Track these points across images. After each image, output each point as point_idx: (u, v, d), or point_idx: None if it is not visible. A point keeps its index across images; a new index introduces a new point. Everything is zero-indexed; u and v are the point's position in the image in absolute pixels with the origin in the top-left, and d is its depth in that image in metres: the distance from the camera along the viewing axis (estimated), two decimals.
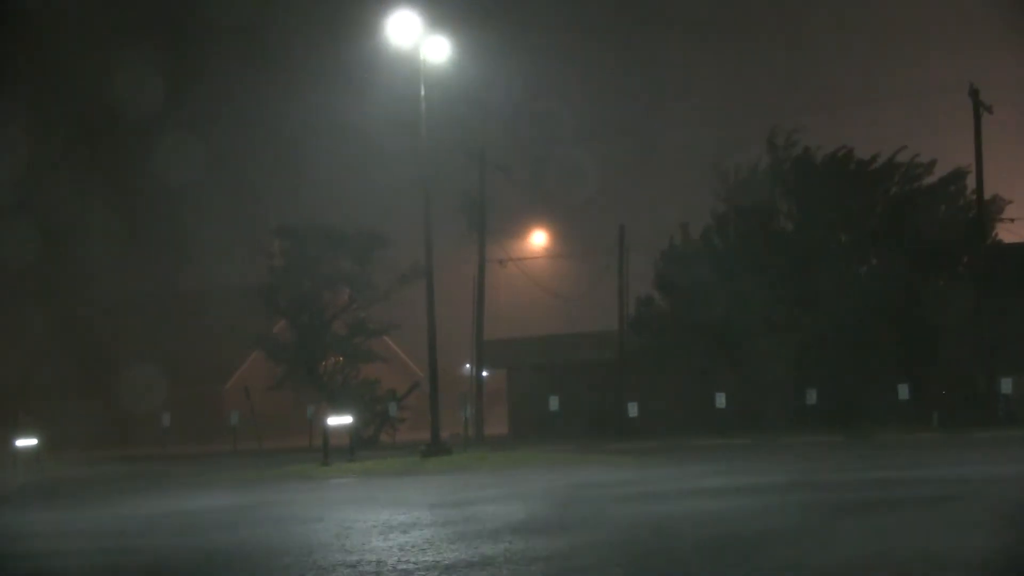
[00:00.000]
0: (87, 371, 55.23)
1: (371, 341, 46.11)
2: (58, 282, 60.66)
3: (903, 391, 36.61)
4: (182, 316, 60.37)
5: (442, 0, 34.51)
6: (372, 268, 44.35)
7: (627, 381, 42.62)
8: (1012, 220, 40.76)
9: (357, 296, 45.09)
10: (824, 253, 40.04)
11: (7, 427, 38.40)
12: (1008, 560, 10.56)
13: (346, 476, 25.48)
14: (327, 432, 30.22)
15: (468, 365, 50.06)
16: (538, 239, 55.77)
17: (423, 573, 10.54)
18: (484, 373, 46.57)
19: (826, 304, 39.05)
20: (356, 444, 32.17)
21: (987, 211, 39.64)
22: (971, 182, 39.43)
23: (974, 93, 37.84)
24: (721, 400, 38.27)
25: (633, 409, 39.44)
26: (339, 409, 31.82)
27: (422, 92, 31.08)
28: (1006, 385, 35.61)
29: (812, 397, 38.09)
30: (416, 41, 31.00)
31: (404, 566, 10.94)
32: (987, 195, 39.39)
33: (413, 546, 12.22)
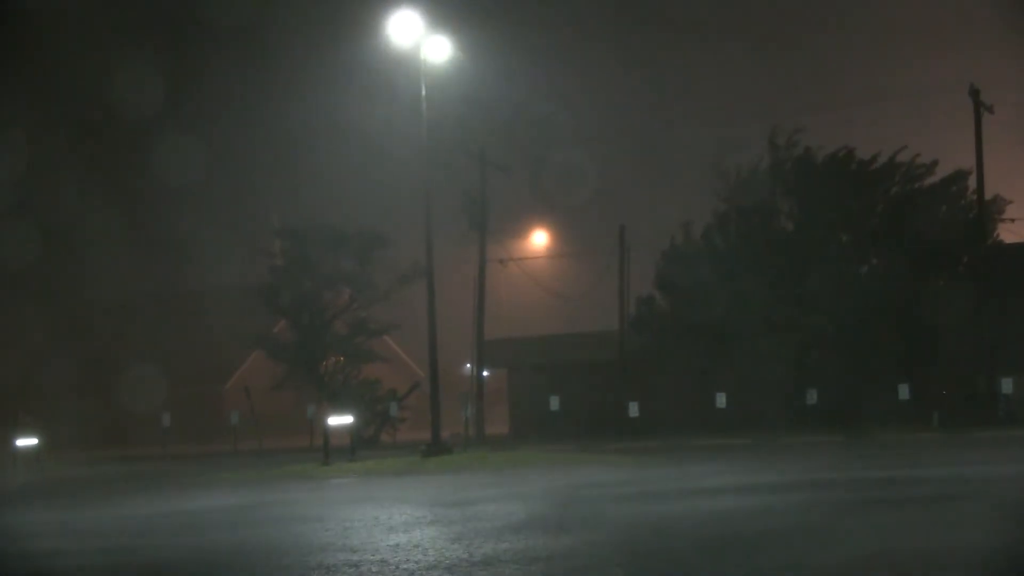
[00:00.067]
0: (87, 371, 55.24)
1: (372, 341, 46.14)
2: (58, 282, 60.69)
3: (903, 391, 36.60)
4: (182, 316, 60.39)
5: (443, 0, 34.51)
6: (372, 268, 44.38)
7: (628, 381, 42.60)
8: (1012, 220, 40.78)
9: (358, 296, 45.11)
10: (824, 253, 40.03)
11: (8, 427, 38.41)
12: (1009, 560, 10.55)
13: (347, 476, 25.49)
14: (327, 432, 30.22)
15: (469, 365, 50.05)
16: (539, 239, 55.78)
17: (425, 573, 10.54)
18: (485, 373, 46.56)
19: (826, 304, 39.03)
20: (357, 444, 32.18)
21: (987, 211, 39.65)
22: (972, 182, 39.44)
23: (974, 93, 37.83)
24: (721, 400, 38.26)
25: (634, 409, 39.43)
26: (340, 409, 31.81)
27: (423, 92, 31.08)
28: (1006, 385, 35.60)
29: (812, 397, 38.07)
30: (417, 41, 31.00)
31: (406, 565, 10.94)
32: (988, 195, 39.41)
33: (415, 546, 12.22)
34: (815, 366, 38.70)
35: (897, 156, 41.02)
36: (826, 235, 40.85)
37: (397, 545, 12.34)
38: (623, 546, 11.99)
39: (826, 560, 10.63)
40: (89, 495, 23.90)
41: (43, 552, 14.11)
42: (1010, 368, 36.16)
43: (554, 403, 40.88)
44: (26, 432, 37.16)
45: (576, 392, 43.28)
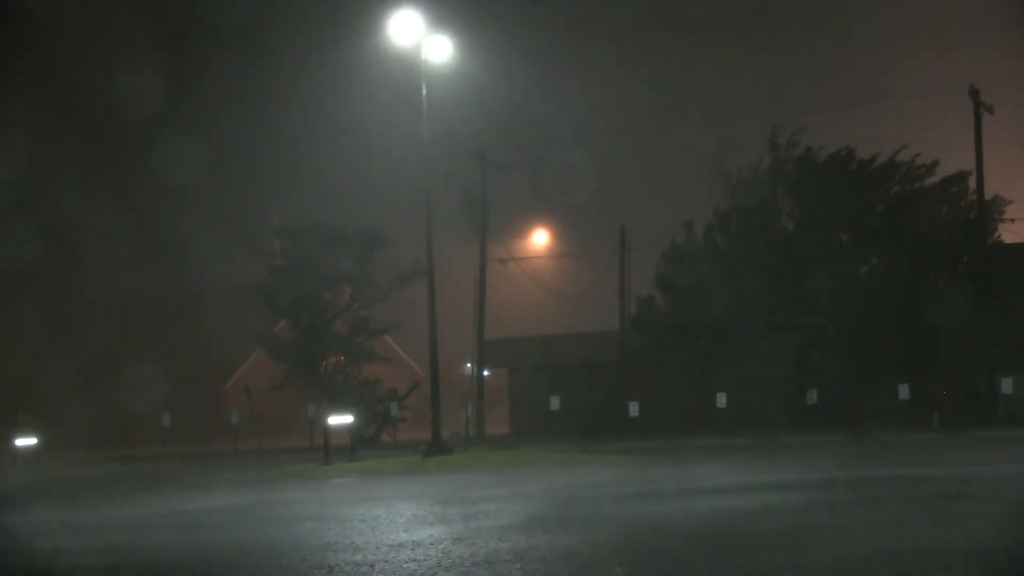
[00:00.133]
0: (87, 371, 55.21)
1: (372, 341, 46.14)
2: (59, 282, 60.66)
3: (903, 391, 36.60)
4: (182, 316, 60.40)
5: (443, 0, 34.52)
6: (373, 268, 44.38)
7: (628, 381, 42.61)
8: (1012, 220, 40.80)
9: (358, 296, 45.11)
10: (825, 253, 40.04)
11: (8, 427, 38.43)
12: (1009, 560, 10.55)
13: (347, 476, 25.49)
14: (328, 432, 30.22)
15: (469, 365, 50.06)
16: (539, 239, 55.80)
17: (427, 572, 10.54)
18: (485, 373, 46.57)
19: (826, 304, 39.05)
20: (357, 444, 32.18)
21: (987, 211, 39.65)
22: (972, 182, 39.44)
23: (974, 93, 37.82)
24: (722, 400, 38.26)
25: (634, 409, 39.42)
26: (340, 409, 31.82)
27: (423, 92, 31.08)
28: (1006, 385, 35.60)
29: (812, 397, 38.08)
30: (418, 40, 31.00)
31: (408, 565, 10.94)
32: (988, 195, 39.40)
33: (416, 545, 12.22)
34: (815, 366, 38.71)
35: (897, 156, 41.06)
36: (826, 235, 40.87)
37: (398, 545, 12.34)
38: (623, 546, 11.99)
39: (826, 560, 10.63)
40: (89, 495, 23.90)
41: (43, 552, 14.10)
42: (1010, 368, 36.15)
43: (554, 403, 40.87)
44: (26, 432, 37.18)
45: (576, 392, 43.28)
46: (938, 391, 37.30)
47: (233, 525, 15.95)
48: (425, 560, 11.17)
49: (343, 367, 44.21)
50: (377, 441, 41.48)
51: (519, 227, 53.15)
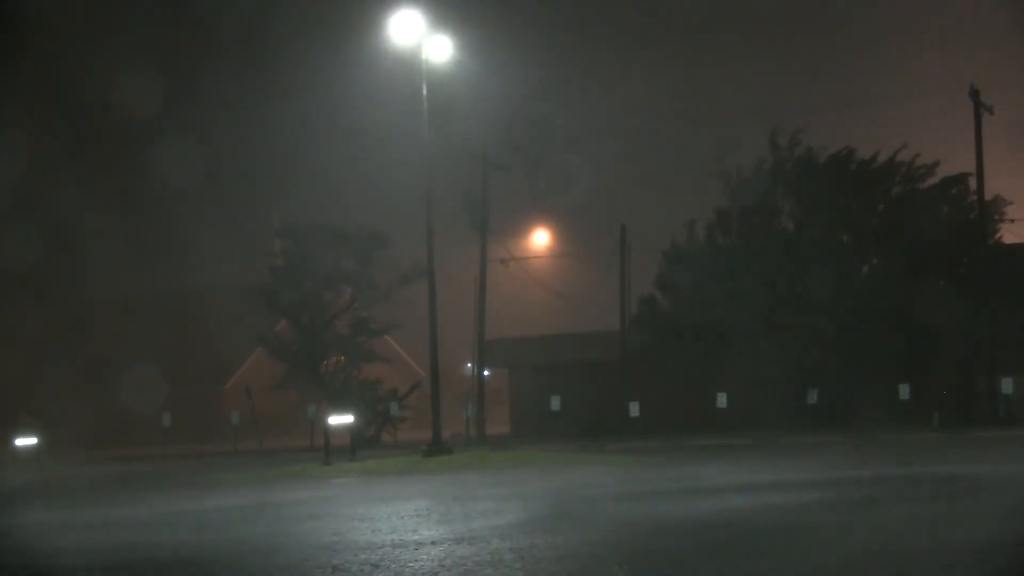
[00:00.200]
0: (88, 371, 55.23)
1: (372, 341, 46.12)
2: (59, 282, 60.70)
3: (903, 391, 36.60)
4: (182, 316, 60.39)
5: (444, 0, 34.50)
6: (373, 268, 44.36)
7: (628, 381, 42.61)
8: (1012, 220, 40.81)
9: (358, 296, 45.10)
10: (825, 253, 40.04)
11: (8, 427, 38.41)
12: (1009, 560, 10.54)
13: (347, 476, 25.47)
14: (328, 432, 30.21)
15: (469, 364, 50.07)
16: (540, 239, 55.77)
17: (428, 572, 10.53)
18: (485, 373, 46.56)
19: (826, 304, 39.05)
20: (357, 444, 32.18)
21: (988, 212, 39.65)
22: (973, 183, 39.43)
23: (975, 94, 37.82)
24: (722, 400, 38.25)
25: (634, 409, 39.42)
26: (340, 408, 31.82)
27: (424, 92, 31.06)
28: (1006, 385, 35.61)
29: (812, 397, 38.10)
30: (418, 40, 30.98)
31: (410, 565, 10.93)
32: (988, 195, 39.40)
33: (417, 545, 12.21)
34: (815, 366, 38.72)
35: (897, 155, 41.06)
36: (827, 235, 40.88)
37: (399, 545, 12.34)
38: (624, 545, 11.99)
39: (826, 559, 10.63)
40: (89, 495, 23.89)
41: (42, 552, 14.09)
42: (1010, 368, 36.15)
43: (555, 403, 40.87)
44: (26, 432, 37.16)
45: (577, 392, 43.28)
46: (938, 391, 37.32)
47: (233, 525, 15.94)
48: (427, 560, 11.16)
49: (343, 367, 44.20)
50: (377, 441, 41.48)
51: (519, 227, 53.17)
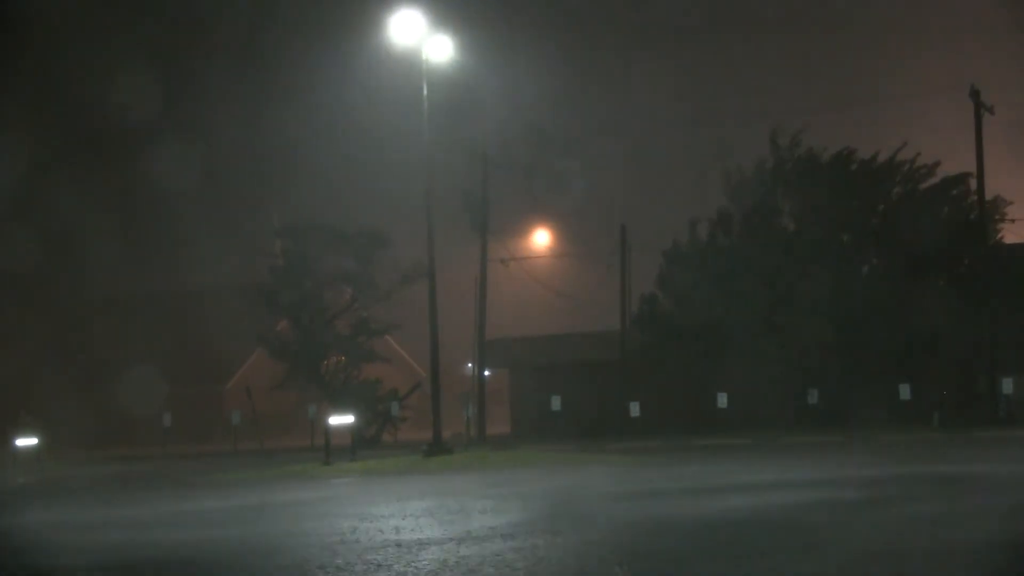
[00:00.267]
0: (88, 371, 55.28)
1: (373, 341, 46.11)
2: (59, 283, 60.73)
3: (904, 391, 36.60)
4: (183, 316, 60.41)
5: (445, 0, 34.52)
6: (374, 268, 44.34)
7: (629, 381, 42.60)
8: (1012, 220, 40.81)
9: (359, 296, 45.10)
10: (825, 253, 40.04)
11: (8, 427, 38.42)
12: (1009, 560, 10.55)
13: (348, 476, 25.48)
14: (329, 432, 30.23)
15: (470, 364, 50.07)
16: (541, 238, 55.76)
17: (429, 572, 10.54)
18: (486, 373, 46.57)
19: (826, 304, 39.04)
20: (358, 444, 32.21)
21: (988, 212, 39.65)
22: (973, 183, 39.42)
23: (975, 94, 37.81)
24: (722, 400, 38.26)
25: (635, 409, 39.43)
26: (341, 409, 31.84)
27: (424, 92, 31.06)
28: (1006, 385, 35.61)
29: (813, 397, 38.11)
30: (419, 40, 30.99)
31: (412, 565, 10.94)
32: (989, 196, 39.40)
33: (418, 545, 12.22)
34: (815, 366, 38.70)
35: (898, 155, 41.06)
36: (827, 235, 40.87)
37: (400, 545, 12.34)
38: (624, 545, 12.00)
39: (826, 559, 10.63)
40: (89, 495, 23.90)
41: (42, 552, 14.10)
42: (1010, 368, 36.15)
43: (555, 403, 40.88)
44: (26, 432, 37.16)
45: (577, 392, 43.28)
46: (938, 391, 37.31)
47: (234, 525, 15.95)
48: (429, 560, 11.17)
49: (344, 367, 44.19)
50: (378, 441, 41.48)
51: (520, 227, 53.15)
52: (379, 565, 11.01)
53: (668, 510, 15.17)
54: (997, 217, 40.66)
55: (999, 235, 40.91)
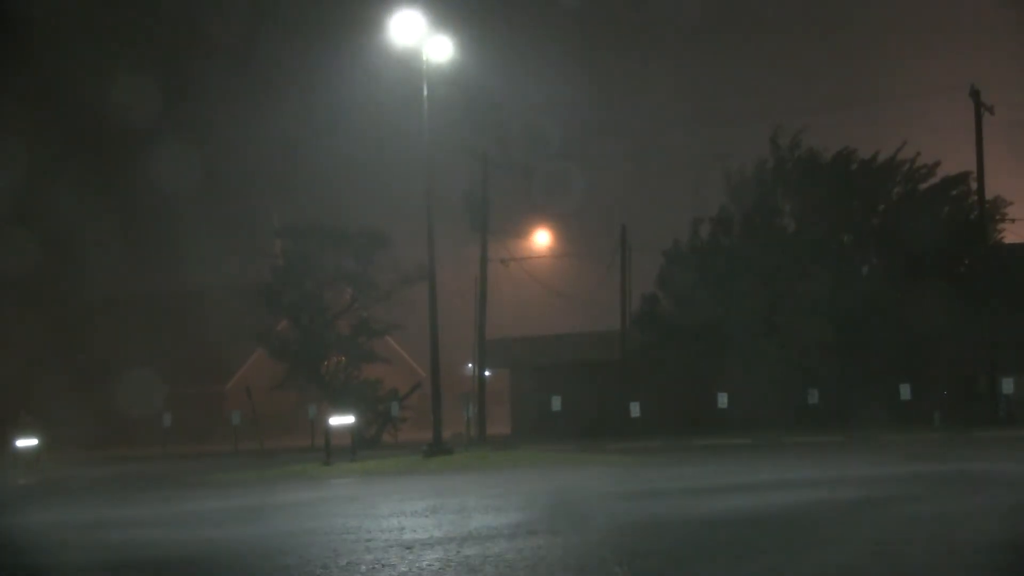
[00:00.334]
0: (88, 371, 55.24)
1: (373, 341, 46.10)
2: (59, 283, 60.70)
3: (904, 391, 36.61)
4: (183, 316, 60.40)
5: (445, 0, 34.51)
6: (374, 268, 44.34)
7: (629, 381, 42.60)
8: (1012, 220, 40.82)
9: (359, 296, 45.08)
10: (825, 253, 40.05)
11: (9, 427, 38.45)
12: (1010, 561, 10.55)
13: (348, 476, 25.48)
14: (329, 432, 30.23)
15: (470, 365, 50.05)
16: (541, 238, 55.76)
17: (431, 572, 10.55)
18: (486, 373, 46.57)
19: (827, 304, 39.04)
20: (358, 444, 32.20)
21: (988, 212, 39.67)
22: (973, 183, 39.43)
23: (975, 94, 37.83)
24: (723, 400, 38.26)
25: (635, 409, 39.44)
26: (341, 409, 31.84)
27: (424, 92, 31.05)
28: (1007, 385, 35.63)
29: (813, 397, 38.11)
30: (419, 40, 30.98)
31: (417, 564, 10.94)
32: (989, 196, 39.42)
33: (419, 545, 12.22)
34: (815, 366, 38.70)
35: (898, 155, 41.06)
36: (827, 235, 40.88)
37: (401, 545, 12.35)
38: (624, 545, 12.00)
39: (827, 558, 10.63)
40: (88, 496, 23.89)
41: (41, 552, 14.10)
42: (1010, 368, 36.17)
43: (555, 403, 40.89)
44: (26, 432, 37.18)
45: (577, 392, 43.28)
46: (938, 391, 37.33)
47: (234, 525, 15.95)
48: (431, 560, 11.17)
49: (344, 367, 44.18)
50: (378, 441, 41.47)
51: (520, 227, 53.16)
52: (382, 565, 11.01)
53: (668, 510, 15.17)
54: (997, 217, 40.67)
55: (999, 235, 40.91)
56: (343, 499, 19.45)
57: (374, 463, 28.59)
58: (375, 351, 45.96)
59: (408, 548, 12.02)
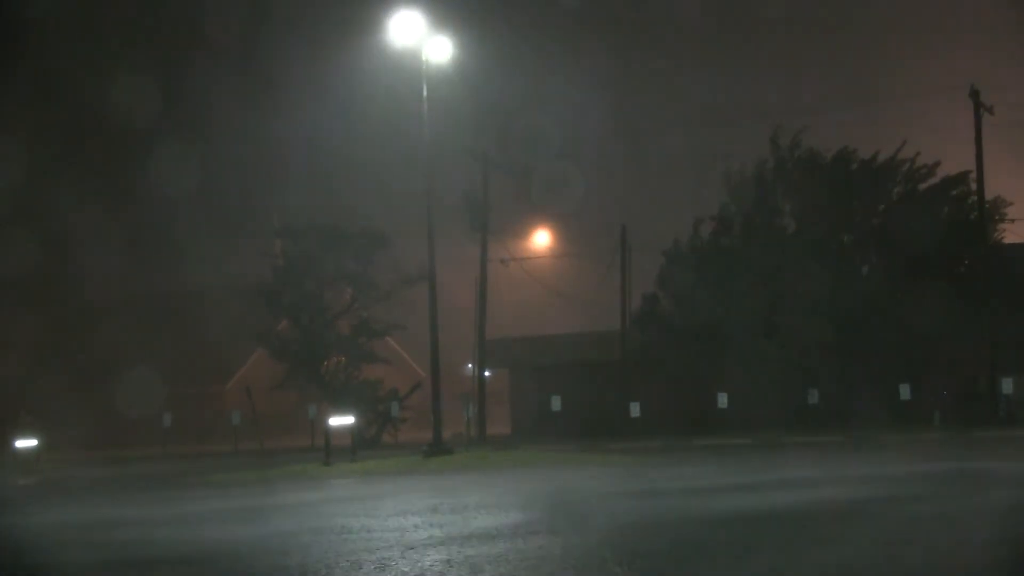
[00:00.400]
0: (88, 372, 55.24)
1: (373, 341, 46.11)
2: (59, 283, 60.70)
3: (904, 391, 36.62)
4: (183, 316, 60.43)
5: (445, 0, 34.54)
6: (374, 268, 44.34)
7: (629, 381, 42.61)
8: (1012, 220, 40.83)
9: (359, 296, 45.08)
10: (825, 253, 40.05)
11: (9, 428, 38.47)
12: (1010, 562, 10.56)
13: (348, 476, 25.48)
14: (329, 432, 30.24)
15: (470, 365, 50.05)
16: (541, 239, 55.77)
17: (432, 572, 10.55)
18: (486, 373, 46.57)
19: (826, 304, 39.05)
20: (358, 444, 32.20)
21: (988, 212, 39.67)
22: (973, 183, 39.43)
23: (975, 94, 37.84)
24: (723, 400, 38.27)
25: (635, 409, 39.44)
26: (341, 409, 31.84)
27: (424, 92, 31.06)
28: (1006, 385, 35.65)
29: (813, 397, 38.12)
30: (418, 41, 31.00)
31: (419, 564, 10.95)
32: (989, 196, 39.43)
33: (420, 545, 12.23)
34: (815, 366, 38.71)
35: (898, 154, 41.06)
36: (827, 235, 40.89)
37: (403, 545, 12.35)
38: (624, 545, 12.00)
39: (827, 558, 10.63)
40: (88, 496, 23.88)
41: (40, 552, 14.11)
42: (1010, 368, 36.18)
43: (555, 403, 40.89)
44: (26, 433, 37.19)
45: (577, 392, 43.29)
46: (938, 391, 37.33)
47: (234, 525, 15.95)
48: (433, 560, 11.18)
49: (344, 367, 44.19)
50: (378, 442, 41.47)
51: (520, 227, 53.18)
52: (384, 566, 11.01)
53: (668, 510, 15.17)
54: (997, 217, 40.68)
55: (999, 235, 40.90)
56: (344, 499, 19.44)
57: (374, 463, 28.59)
58: (375, 351, 45.96)
59: (410, 548, 12.03)
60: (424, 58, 31.13)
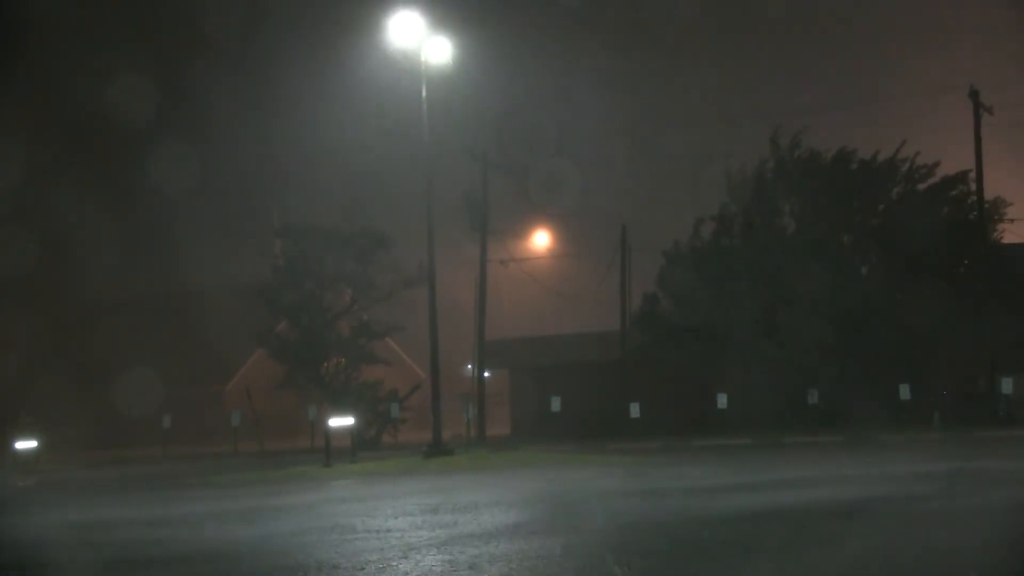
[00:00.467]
0: (87, 373, 55.22)
1: (373, 342, 46.10)
2: (60, 284, 60.69)
3: (904, 391, 36.62)
4: (183, 316, 60.38)
5: (444, 1, 34.54)
6: (374, 268, 44.33)
7: (629, 381, 42.60)
8: (1012, 220, 40.84)
9: (359, 297, 45.08)
10: (826, 253, 40.06)
11: (8, 429, 38.46)
12: (1009, 563, 10.56)
13: (348, 477, 25.48)
14: (329, 433, 30.24)
15: (470, 366, 50.04)
16: (540, 239, 55.78)
17: (437, 573, 10.56)
18: (486, 374, 46.56)
19: (826, 304, 39.05)
20: (358, 445, 32.20)
21: (987, 212, 39.68)
22: (973, 182, 39.44)
23: (974, 95, 37.85)
24: (722, 400, 38.27)
25: (635, 410, 39.43)
26: (341, 410, 31.84)
27: (424, 93, 31.07)
28: (1006, 385, 35.63)
29: (813, 397, 38.11)
30: (418, 42, 31.01)
31: (421, 564, 10.95)
32: (989, 196, 39.44)
33: (422, 546, 12.24)
34: (815, 366, 38.71)
35: (898, 154, 41.07)
36: (827, 235, 40.90)
37: (404, 546, 12.36)
38: (624, 545, 12.01)
39: (827, 557, 10.64)
40: (87, 497, 23.87)
41: (39, 552, 14.11)
42: (1010, 368, 36.18)
43: (555, 403, 40.88)
44: (26, 434, 37.17)
45: (577, 393, 43.27)
46: (938, 391, 37.33)
47: (234, 526, 15.95)
48: (433, 561, 11.18)
49: (344, 368, 44.18)
50: (378, 442, 41.47)
51: (520, 227, 53.19)
52: (385, 566, 11.02)
53: (668, 510, 15.18)
54: (997, 217, 40.68)
55: (998, 235, 40.91)
56: (344, 500, 19.44)
57: (374, 464, 28.59)
58: (375, 352, 45.94)
59: (412, 549, 12.03)
60: (423, 58, 31.14)
